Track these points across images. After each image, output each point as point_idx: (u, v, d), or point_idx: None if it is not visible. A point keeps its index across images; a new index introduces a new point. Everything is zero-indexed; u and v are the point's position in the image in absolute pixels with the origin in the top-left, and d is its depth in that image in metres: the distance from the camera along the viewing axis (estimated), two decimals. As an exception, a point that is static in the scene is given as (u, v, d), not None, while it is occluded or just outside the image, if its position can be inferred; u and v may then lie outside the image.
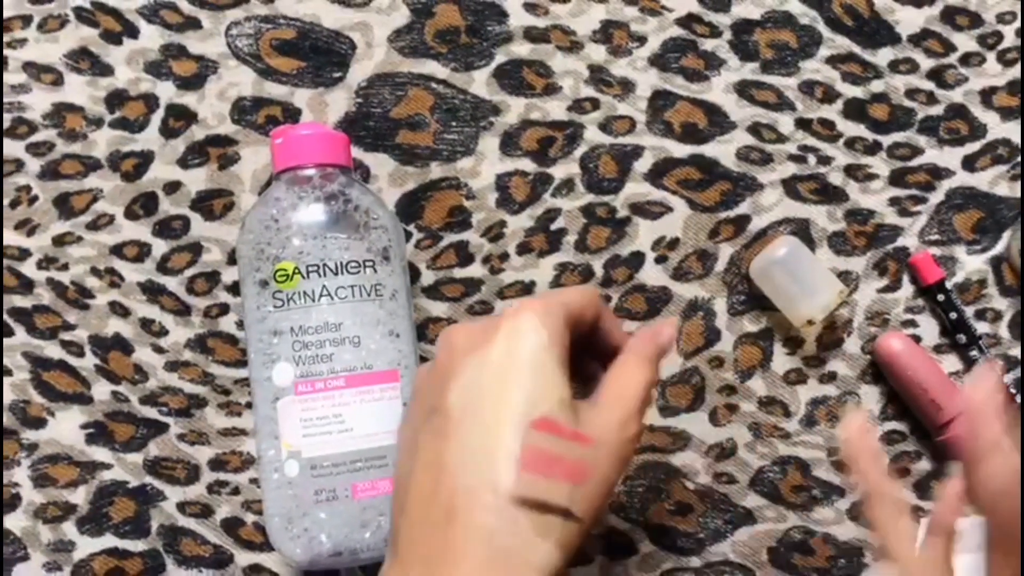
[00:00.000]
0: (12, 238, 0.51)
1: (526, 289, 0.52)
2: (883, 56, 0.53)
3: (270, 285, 0.44)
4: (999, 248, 0.53)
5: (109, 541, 0.51)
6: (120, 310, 0.51)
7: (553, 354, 0.34)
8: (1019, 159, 0.53)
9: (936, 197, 0.53)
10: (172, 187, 0.51)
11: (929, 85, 0.53)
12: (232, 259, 0.51)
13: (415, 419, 0.36)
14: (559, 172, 0.52)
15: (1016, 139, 0.53)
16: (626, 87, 0.52)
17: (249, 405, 0.51)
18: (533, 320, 0.34)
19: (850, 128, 0.53)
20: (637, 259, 0.52)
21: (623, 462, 0.34)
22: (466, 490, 0.32)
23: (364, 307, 0.44)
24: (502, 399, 0.33)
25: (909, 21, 0.53)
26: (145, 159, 0.51)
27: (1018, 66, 0.53)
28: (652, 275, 0.52)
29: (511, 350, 0.34)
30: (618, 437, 0.34)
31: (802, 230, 0.53)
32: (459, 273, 0.52)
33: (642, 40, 0.53)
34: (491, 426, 0.33)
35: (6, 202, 0.51)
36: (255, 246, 0.44)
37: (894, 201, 0.53)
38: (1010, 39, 0.53)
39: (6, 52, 0.51)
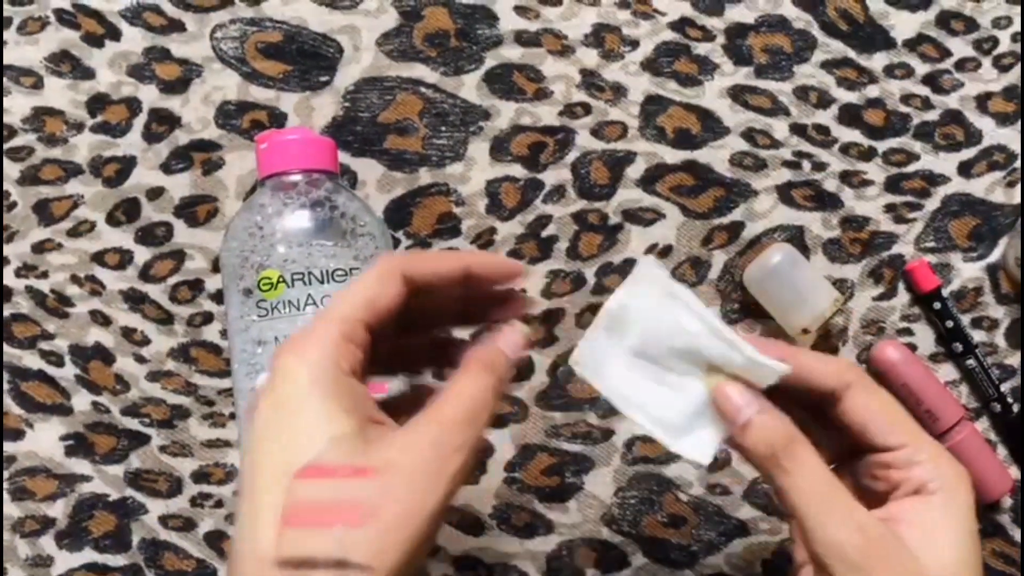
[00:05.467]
0: (-10, 245, 0.50)
1: (517, 297, 0.51)
2: (878, 61, 0.52)
3: (254, 294, 0.43)
4: (995, 256, 0.52)
5: (89, 556, 0.49)
6: (101, 319, 0.50)
7: (316, 391, 0.30)
8: (1015, 165, 0.52)
9: (932, 204, 0.52)
10: (155, 193, 0.50)
11: (924, 90, 0.52)
12: (216, 267, 0.50)
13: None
14: (550, 178, 0.51)
15: (1012, 145, 0.52)
16: (618, 92, 0.52)
17: (233, 416, 0.50)
18: (287, 362, 0.31)
19: (845, 134, 0.52)
20: (630, 266, 0.51)
21: (441, 482, 0.29)
22: (237, 561, 0.29)
23: None
24: (260, 458, 0.30)
25: (904, 26, 0.52)
26: (127, 164, 0.50)
27: (1013, 71, 0.53)
28: (645, 283, 0.51)
29: (273, 400, 0.30)
30: (428, 455, 0.29)
31: (796, 237, 0.52)
32: (448, 281, 0.51)
33: (634, 44, 0.52)
34: (253, 489, 0.29)
35: (-16, 208, 0.50)
36: (239, 253, 0.43)
37: (889, 208, 0.52)
38: (1005, 44, 0.53)
39: (-16, 55, 0.50)
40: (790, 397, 0.35)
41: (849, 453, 0.36)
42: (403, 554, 0.28)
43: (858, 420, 0.35)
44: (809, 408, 0.36)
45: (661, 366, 0.36)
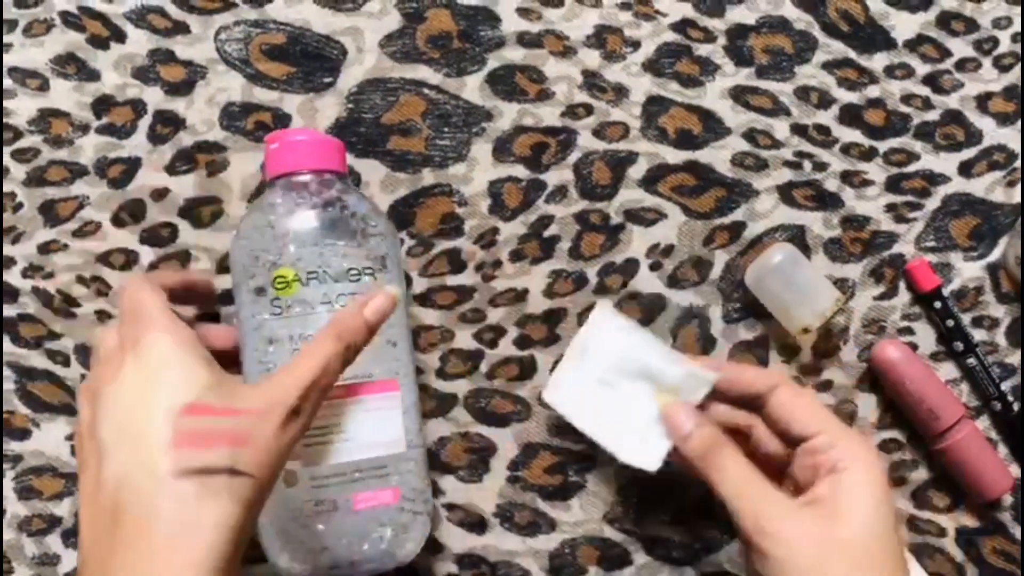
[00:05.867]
0: (-4, 246, 0.50)
1: (519, 297, 0.51)
2: (879, 61, 0.53)
3: (267, 292, 0.43)
4: (996, 255, 0.52)
5: (95, 554, 0.50)
6: (107, 319, 0.50)
7: (183, 350, 0.37)
8: (1015, 165, 0.53)
9: (932, 203, 0.53)
10: (160, 194, 0.51)
11: (925, 90, 0.53)
12: (221, 268, 0.50)
13: (84, 477, 0.37)
14: (552, 178, 0.52)
15: (1012, 144, 0.53)
16: (620, 92, 0.52)
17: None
18: (152, 333, 0.37)
19: (846, 134, 0.52)
20: (631, 266, 0.52)
21: (290, 428, 0.36)
22: (127, 488, 0.34)
23: None
24: (144, 404, 0.35)
25: (904, 26, 0.53)
26: (132, 165, 0.51)
27: (1013, 71, 0.53)
28: (646, 282, 0.52)
29: (141, 366, 0.36)
30: (279, 407, 0.36)
31: (798, 237, 0.52)
32: (451, 281, 0.51)
33: (636, 45, 0.52)
34: (141, 430, 0.35)
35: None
36: (250, 252, 0.44)
37: (890, 207, 0.52)
38: (1006, 44, 0.53)
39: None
40: (735, 403, 0.44)
41: (789, 448, 0.43)
42: (271, 472, 0.36)
43: (784, 415, 0.42)
44: (755, 410, 0.44)
45: (618, 391, 0.44)
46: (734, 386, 0.44)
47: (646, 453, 0.43)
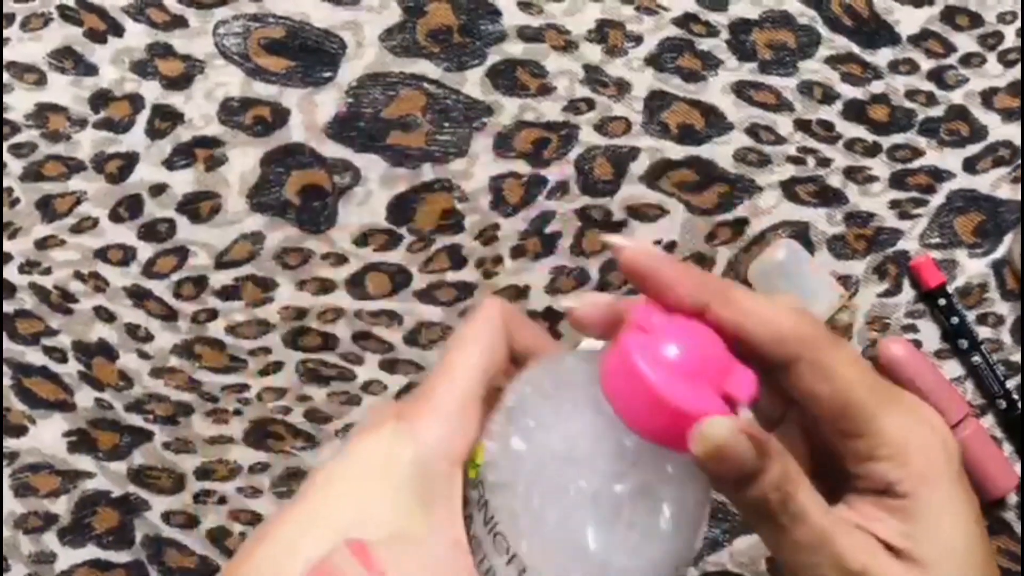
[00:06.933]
0: (-7, 241, 0.50)
1: (520, 293, 0.51)
2: (883, 56, 0.52)
3: None
4: (1001, 252, 0.52)
5: (92, 552, 0.49)
6: (105, 315, 0.50)
7: (420, 476, 0.27)
8: (1019, 161, 0.52)
9: (937, 200, 0.52)
10: (158, 189, 0.50)
11: (929, 86, 0.52)
12: (219, 264, 0.50)
13: None
14: (553, 174, 0.51)
15: (1017, 141, 0.52)
16: (622, 87, 0.52)
17: (236, 412, 0.50)
18: (404, 430, 0.28)
19: (850, 129, 0.52)
20: (633, 263, 0.51)
21: None
22: (254, 570, 0.27)
23: None
24: (327, 496, 0.28)
25: (909, 21, 0.52)
26: (130, 160, 0.50)
27: (1018, 67, 0.52)
28: (649, 279, 0.51)
29: (374, 455, 0.28)
30: None
31: (801, 233, 0.52)
32: (452, 277, 0.51)
33: (638, 40, 0.52)
34: (302, 522, 0.28)
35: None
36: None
37: (894, 204, 0.52)
38: (1011, 39, 0.52)
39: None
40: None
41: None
42: None
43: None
44: None
45: None
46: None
47: None
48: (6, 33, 0.50)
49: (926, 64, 0.52)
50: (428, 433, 0.27)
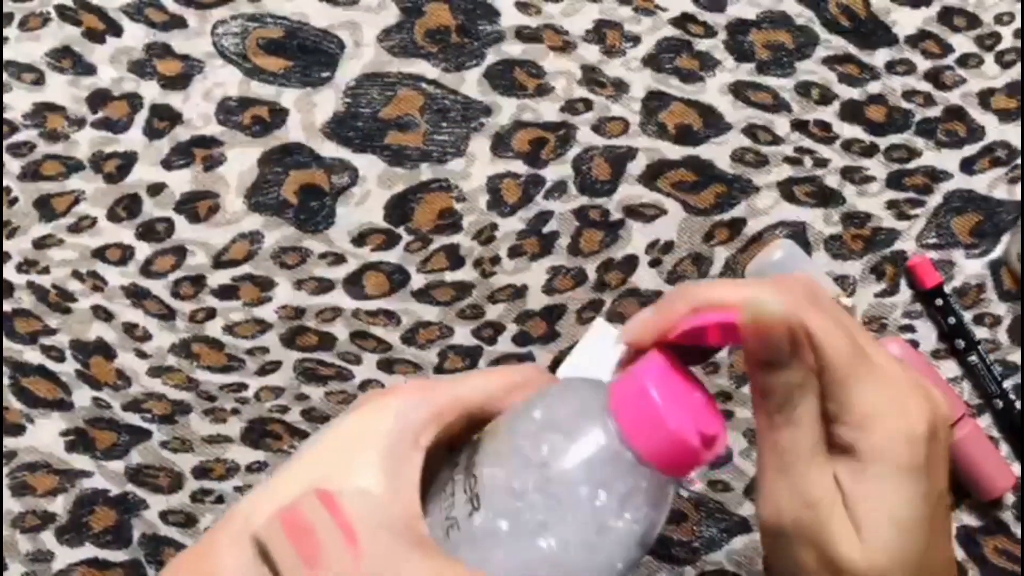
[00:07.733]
0: (-9, 240, 0.50)
1: (518, 293, 0.51)
2: (880, 57, 0.52)
3: None
4: (998, 252, 0.52)
5: (89, 551, 0.49)
6: (103, 314, 0.50)
7: (390, 446, 0.30)
8: (1017, 161, 0.52)
9: (934, 200, 0.52)
10: (156, 189, 0.50)
11: (927, 87, 0.52)
12: (218, 263, 0.50)
13: None
14: (551, 174, 0.51)
15: (1014, 141, 0.52)
16: (620, 88, 0.52)
17: (234, 411, 0.50)
18: (393, 405, 0.31)
19: (847, 130, 0.52)
20: (631, 263, 0.51)
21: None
22: (237, 512, 0.30)
23: None
24: (310, 455, 0.31)
25: (906, 22, 0.52)
26: (128, 160, 0.50)
27: (1016, 68, 0.52)
28: (646, 279, 0.51)
29: (357, 425, 0.31)
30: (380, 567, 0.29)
31: (798, 233, 0.52)
32: (450, 277, 0.51)
33: (636, 40, 0.52)
34: (285, 475, 0.31)
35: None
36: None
37: (891, 204, 0.52)
38: (1008, 40, 0.52)
39: (-14, 50, 0.50)
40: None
41: None
42: None
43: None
44: None
45: None
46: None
47: None
48: (5, 32, 0.50)
49: (923, 65, 0.52)
50: (412, 414, 0.31)
